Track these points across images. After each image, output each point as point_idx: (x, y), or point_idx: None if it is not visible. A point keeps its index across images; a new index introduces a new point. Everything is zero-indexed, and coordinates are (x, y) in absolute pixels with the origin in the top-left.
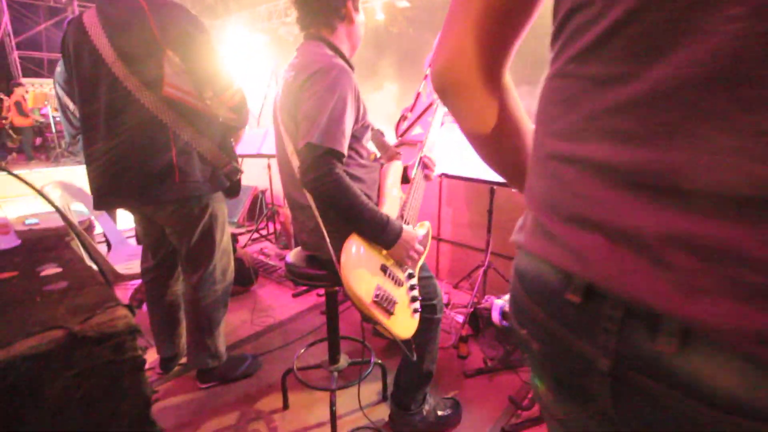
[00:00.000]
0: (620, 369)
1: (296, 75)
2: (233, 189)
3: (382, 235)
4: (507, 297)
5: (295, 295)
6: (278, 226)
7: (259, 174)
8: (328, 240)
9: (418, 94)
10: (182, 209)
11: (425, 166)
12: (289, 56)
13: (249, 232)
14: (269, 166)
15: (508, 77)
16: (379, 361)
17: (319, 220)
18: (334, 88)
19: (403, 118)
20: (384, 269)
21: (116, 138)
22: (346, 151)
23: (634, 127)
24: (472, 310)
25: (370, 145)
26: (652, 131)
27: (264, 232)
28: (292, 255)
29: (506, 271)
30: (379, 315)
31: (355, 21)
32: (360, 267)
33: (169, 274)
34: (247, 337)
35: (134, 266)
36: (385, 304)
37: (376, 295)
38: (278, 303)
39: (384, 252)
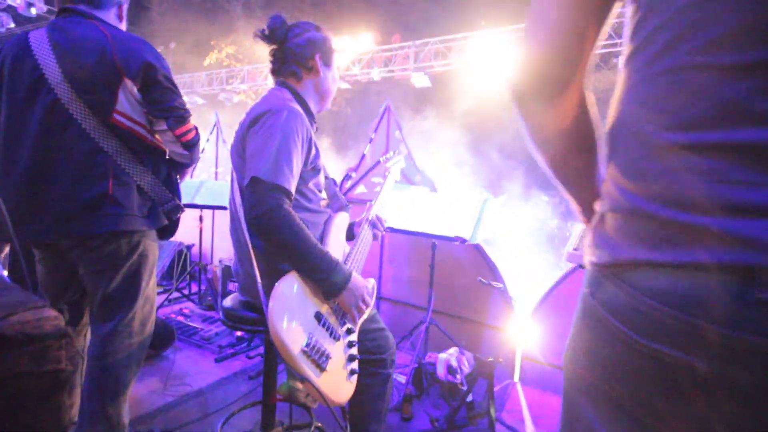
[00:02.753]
0: None
1: (248, 114)
2: (170, 229)
3: (330, 277)
4: (451, 351)
5: (219, 360)
6: (203, 286)
7: (187, 228)
8: (259, 281)
9: (363, 156)
10: (108, 245)
11: (375, 225)
12: (228, 117)
13: (167, 291)
14: (201, 218)
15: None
16: (320, 425)
17: (254, 261)
18: (284, 127)
19: (347, 177)
20: (319, 317)
21: (45, 163)
22: (293, 190)
23: None
24: (416, 366)
25: (323, 193)
26: None
27: (186, 292)
28: (229, 300)
29: (448, 327)
30: (307, 369)
31: (322, 74)
32: (291, 310)
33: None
34: (155, 410)
35: None
36: (317, 357)
37: (307, 345)
38: (197, 369)
39: (320, 299)
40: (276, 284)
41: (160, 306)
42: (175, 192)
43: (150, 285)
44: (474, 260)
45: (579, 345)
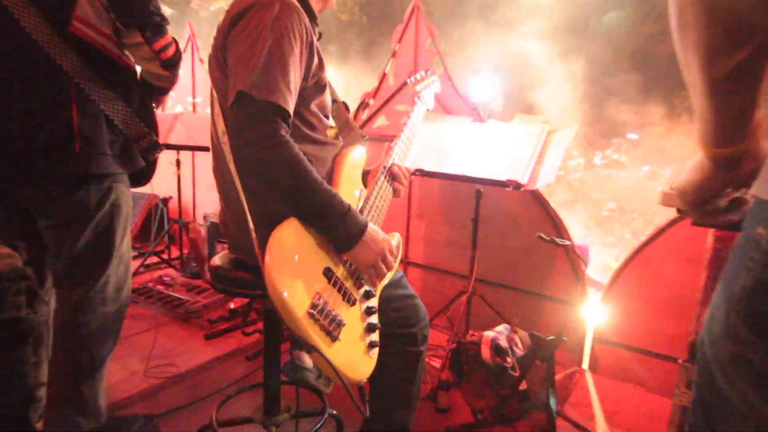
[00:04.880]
0: None
1: (229, 11)
2: (146, 173)
3: (339, 226)
4: (500, 329)
5: (209, 336)
6: (186, 249)
7: (161, 176)
8: (252, 232)
9: (384, 76)
10: (76, 192)
11: (395, 177)
12: (205, 31)
13: (141, 255)
14: (178, 163)
15: None
16: (334, 413)
17: (245, 207)
18: (275, 25)
19: (363, 105)
20: (329, 274)
21: None
22: (291, 110)
23: None
24: (454, 346)
25: (330, 119)
26: None
27: (165, 256)
28: (218, 258)
29: (496, 300)
30: (314, 335)
31: None
32: (293, 263)
33: None
34: (137, 393)
35: None
36: (327, 323)
37: (314, 306)
38: (184, 347)
39: (331, 252)
40: (274, 232)
41: (135, 273)
42: (152, 125)
43: (125, 242)
44: (531, 212)
45: (750, 304)
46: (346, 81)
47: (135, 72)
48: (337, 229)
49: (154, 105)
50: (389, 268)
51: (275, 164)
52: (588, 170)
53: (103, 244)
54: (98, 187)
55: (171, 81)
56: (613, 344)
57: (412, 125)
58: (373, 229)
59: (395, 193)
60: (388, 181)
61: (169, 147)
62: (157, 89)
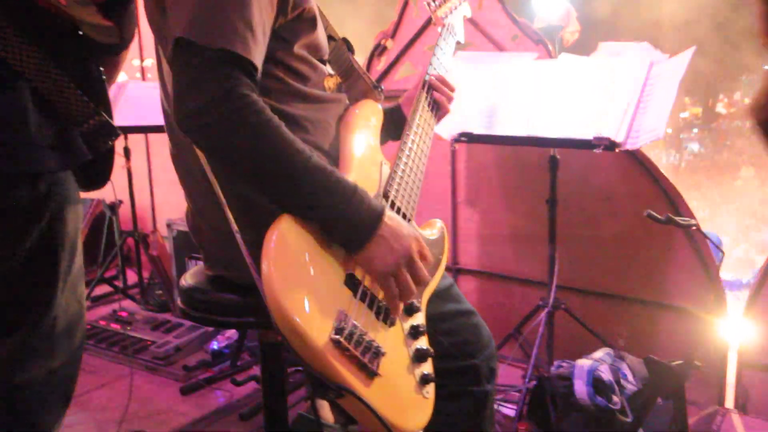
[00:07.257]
0: None
1: None
2: (100, 170)
3: (344, 215)
4: (599, 355)
5: (186, 390)
6: (147, 271)
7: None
8: (238, 234)
9: (407, 6)
10: None
11: (435, 90)
12: None
13: (86, 284)
14: (127, 153)
15: None
16: None
17: (222, 199)
18: None
19: (379, 49)
20: (353, 283)
21: None
22: (258, 61)
23: None
24: (534, 383)
25: (327, 66)
26: None
27: (119, 284)
28: (190, 276)
29: (587, 314)
30: (344, 372)
31: None
32: (302, 273)
33: None
34: None
35: None
36: (359, 352)
37: (339, 330)
38: (154, 407)
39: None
40: (269, 232)
41: None
42: (100, 99)
43: (75, 267)
44: (633, 183)
45: None
46: (348, 16)
47: (70, 20)
48: (341, 221)
49: (102, 71)
50: (419, 281)
51: (233, 140)
52: (708, 123)
53: (43, 273)
54: (31, 191)
55: (127, 35)
56: None
57: (446, 49)
58: (392, 217)
59: (440, 112)
60: (427, 101)
61: None
62: (105, 50)
